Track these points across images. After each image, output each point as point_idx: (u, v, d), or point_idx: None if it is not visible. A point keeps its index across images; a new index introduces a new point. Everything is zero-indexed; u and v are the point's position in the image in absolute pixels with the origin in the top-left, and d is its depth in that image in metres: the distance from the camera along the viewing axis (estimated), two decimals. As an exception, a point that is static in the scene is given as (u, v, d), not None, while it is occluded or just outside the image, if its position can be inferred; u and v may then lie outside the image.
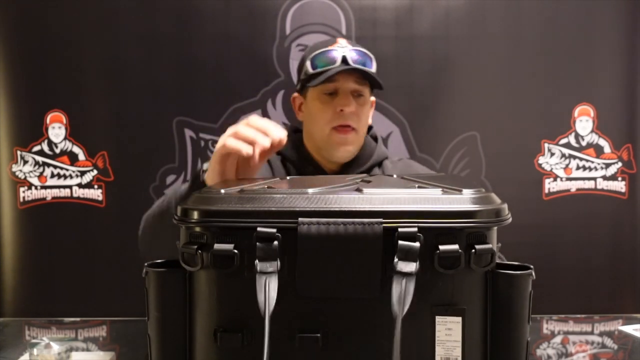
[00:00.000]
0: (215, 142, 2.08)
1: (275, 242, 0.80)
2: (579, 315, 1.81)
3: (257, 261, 0.80)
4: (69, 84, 2.06)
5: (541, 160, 2.11)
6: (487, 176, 2.10)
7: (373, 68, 1.53)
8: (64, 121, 2.06)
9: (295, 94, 1.63)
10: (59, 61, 2.05)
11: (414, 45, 2.08)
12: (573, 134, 2.12)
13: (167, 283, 0.87)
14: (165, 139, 2.07)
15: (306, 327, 0.83)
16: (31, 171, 2.08)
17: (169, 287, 0.87)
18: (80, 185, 2.08)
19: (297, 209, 0.83)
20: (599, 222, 2.13)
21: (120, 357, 1.32)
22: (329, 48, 1.51)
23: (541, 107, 2.11)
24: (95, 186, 2.08)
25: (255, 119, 1.17)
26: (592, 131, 2.12)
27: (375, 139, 1.65)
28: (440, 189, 0.89)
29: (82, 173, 2.08)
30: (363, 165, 1.59)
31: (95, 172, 2.08)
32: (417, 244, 0.79)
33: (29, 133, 2.07)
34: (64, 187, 2.08)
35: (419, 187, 0.94)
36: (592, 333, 1.64)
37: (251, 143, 1.13)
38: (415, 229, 0.80)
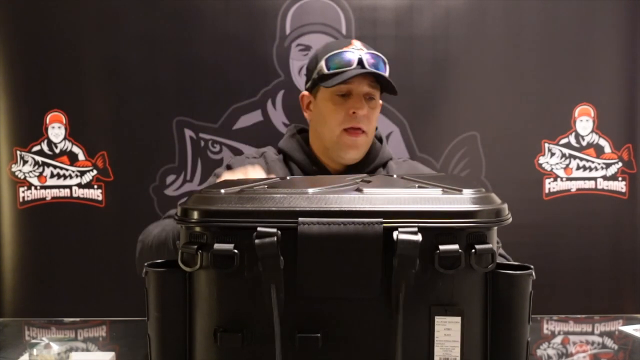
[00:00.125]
0: (215, 142, 2.08)
1: (276, 242, 0.80)
2: (579, 316, 1.81)
3: (260, 261, 0.80)
4: (68, 84, 2.06)
5: (541, 160, 2.11)
6: (487, 176, 2.10)
7: (386, 72, 1.54)
8: (64, 121, 2.06)
9: (305, 93, 1.62)
10: (59, 61, 2.05)
11: (414, 45, 2.07)
12: (573, 134, 2.12)
13: (167, 283, 0.87)
14: (165, 139, 2.07)
15: (306, 327, 0.83)
16: (31, 171, 2.07)
17: (169, 287, 0.87)
18: (80, 185, 2.08)
19: (297, 209, 0.83)
20: (599, 222, 2.12)
21: (120, 357, 1.32)
22: (345, 49, 1.51)
23: (541, 107, 2.10)
24: (95, 186, 2.08)
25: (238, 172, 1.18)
26: (592, 131, 2.12)
27: (380, 139, 1.66)
28: (441, 189, 0.89)
29: (82, 173, 2.08)
30: (368, 167, 1.59)
31: (95, 172, 2.08)
32: (417, 244, 0.79)
33: (28, 133, 2.07)
34: (64, 187, 2.08)
35: (419, 187, 0.94)
36: (592, 333, 1.64)
37: None
38: (415, 229, 0.80)
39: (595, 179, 2.12)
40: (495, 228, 0.85)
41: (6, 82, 2.06)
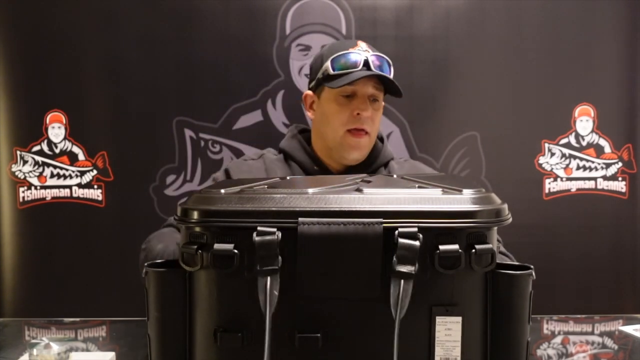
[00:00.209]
0: (215, 142, 2.08)
1: (276, 242, 0.80)
2: (579, 316, 1.81)
3: (257, 260, 0.80)
4: (68, 84, 2.06)
5: (541, 160, 2.11)
6: (487, 176, 2.10)
7: (391, 74, 1.54)
8: (64, 121, 2.06)
9: (308, 92, 1.63)
10: (59, 61, 2.05)
11: (414, 45, 2.08)
12: (573, 134, 2.12)
13: (167, 283, 0.87)
14: (165, 139, 2.07)
15: (306, 327, 0.83)
16: (31, 171, 2.07)
17: (169, 287, 0.87)
18: (80, 185, 2.08)
19: (297, 209, 0.83)
20: (599, 222, 2.12)
21: (120, 357, 1.32)
22: (351, 51, 1.52)
23: (541, 107, 2.10)
24: (95, 186, 2.08)
25: None
26: (592, 131, 2.12)
27: (381, 139, 1.66)
28: (441, 189, 0.89)
29: (82, 173, 2.08)
30: (370, 167, 1.60)
31: (95, 172, 2.08)
32: (417, 244, 0.79)
33: (28, 133, 2.07)
34: (64, 187, 2.08)
35: (419, 187, 0.94)
36: (592, 333, 1.64)
37: None
38: (415, 229, 0.80)
39: (595, 179, 2.12)
40: (495, 228, 0.85)
41: (6, 82, 2.06)
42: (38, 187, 2.08)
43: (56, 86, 2.06)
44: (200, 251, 0.83)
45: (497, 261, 0.85)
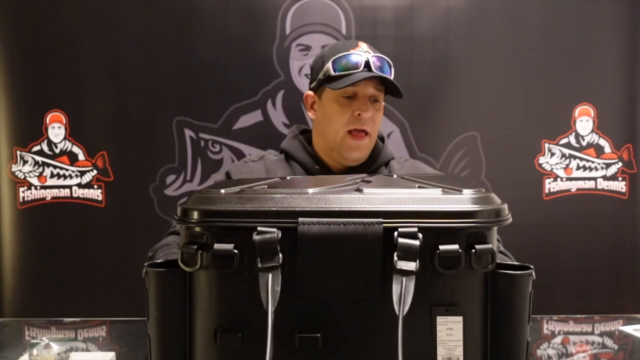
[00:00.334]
0: (215, 142, 2.08)
1: (276, 239, 0.80)
2: (579, 316, 1.81)
3: (258, 259, 0.80)
4: (69, 84, 2.06)
5: (541, 160, 2.11)
6: (487, 176, 2.10)
7: (391, 75, 1.54)
8: (64, 121, 2.06)
9: (309, 93, 1.63)
10: (59, 61, 2.05)
11: (414, 45, 2.08)
12: (573, 134, 2.12)
13: (167, 283, 0.87)
14: (165, 139, 2.07)
15: (306, 327, 0.83)
16: (31, 171, 2.07)
17: (169, 287, 0.87)
18: (80, 185, 2.08)
19: (297, 209, 0.83)
20: (599, 222, 2.12)
21: (120, 357, 1.32)
22: (352, 52, 1.52)
23: (541, 107, 2.10)
24: (95, 186, 2.08)
25: None
26: (592, 131, 2.12)
27: (382, 139, 1.67)
28: (440, 189, 0.89)
29: (82, 173, 2.08)
30: (370, 166, 1.60)
31: (95, 172, 2.08)
32: (417, 244, 0.79)
33: (28, 133, 2.07)
34: (64, 187, 2.08)
35: (419, 187, 0.94)
36: (592, 333, 1.64)
37: None
38: (415, 229, 0.80)
39: (595, 179, 2.12)
40: (495, 228, 0.85)
41: (6, 82, 2.06)
42: (38, 187, 2.08)
43: (56, 86, 2.06)
44: (200, 251, 0.83)
45: (497, 261, 0.85)
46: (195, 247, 0.83)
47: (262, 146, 2.01)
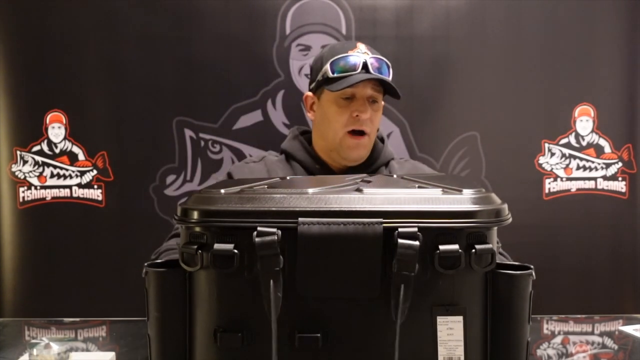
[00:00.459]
0: (215, 142, 2.08)
1: (276, 242, 0.80)
2: (579, 316, 1.81)
3: (259, 261, 0.80)
4: (69, 84, 2.06)
5: (541, 160, 2.11)
6: (487, 176, 2.10)
7: (390, 75, 1.55)
8: (64, 121, 2.06)
9: (308, 94, 1.63)
10: (59, 61, 2.05)
11: (414, 45, 2.08)
12: (573, 134, 2.12)
13: (167, 283, 0.87)
14: (165, 139, 2.07)
15: (306, 327, 0.83)
16: (31, 171, 2.07)
17: (169, 287, 0.87)
18: (80, 185, 2.08)
19: (297, 209, 0.83)
20: (599, 222, 2.12)
21: (120, 357, 1.32)
22: (350, 53, 1.52)
23: (541, 107, 2.10)
24: (95, 186, 2.08)
25: None
26: (592, 131, 2.12)
27: (381, 140, 1.67)
28: (440, 189, 0.89)
29: (82, 173, 2.08)
30: (370, 166, 1.61)
31: (95, 172, 2.08)
32: (417, 244, 0.79)
33: (28, 133, 2.07)
34: (64, 187, 2.08)
35: (419, 187, 0.94)
36: (592, 333, 1.64)
37: None
38: (415, 229, 0.80)
39: (595, 179, 2.12)
40: (495, 228, 0.85)
41: (6, 82, 2.06)
42: (38, 187, 2.08)
43: (56, 86, 2.06)
44: (200, 251, 0.83)
45: (497, 261, 0.85)
46: (195, 247, 0.83)
47: (262, 146, 2.01)
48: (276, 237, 0.80)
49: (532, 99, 2.10)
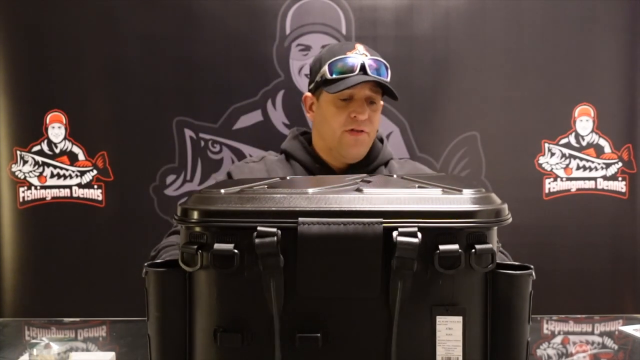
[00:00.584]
0: (215, 142, 2.08)
1: (276, 243, 0.80)
2: (579, 316, 1.81)
3: (260, 262, 0.80)
4: (69, 84, 2.06)
5: (541, 160, 2.11)
6: (487, 176, 2.10)
7: (388, 77, 1.55)
8: (64, 121, 2.06)
9: (308, 94, 1.64)
10: (59, 61, 2.05)
11: (414, 45, 2.08)
12: (573, 134, 2.12)
13: (167, 283, 0.87)
14: (165, 139, 2.07)
15: (306, 327, 0.83)
16: (31, 171, 2.07)
17: (169, 287, 0.87)
18: (80, 185, 2.08)
19: (297, 209, 0.83)
20: (599, 222, 2.12)
21: (120, 357, 1.32)
22: (348, 55, 1.53)
23: (541, 107, 2.10)
24: (95, 186, 2.08)
25: None
26: (592, 131, 2.12)
27: (381, 140, 1.68)
28: (440, 189, 0.89)
29: (82, 173, 2.08)
30: (370, 165, 1.62)
31: (95, 172, 2.08)
32: (416, 242, 0.79)
33: (28, 133, 2.07)
34: (64, 187, 2.08)
35: (419, 187, 0.94)
36: (592, 333, 1.64)
37: None
38: (415, 229, 0.80)
39: (595, 179, 2.12)
40: (495, 228, 0.85)
41: (6, 82, 2.06)
42: (38, 187, 2.08)
43: (56, 86, 2.06)
44: (200, 251, 0.83)
45: (497, 261, 0.85)
46: (195, 247, 0.83)
47: (262, 146, 2.01)
48: (276, 238, 0.80)
49: (532, 99, 2.10)
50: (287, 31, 2.07)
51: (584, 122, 2.11)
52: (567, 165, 2.12)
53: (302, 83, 2.06)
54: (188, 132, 2.08)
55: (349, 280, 0.81)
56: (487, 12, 2.08)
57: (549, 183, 2.12)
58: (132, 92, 2.06)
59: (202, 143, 2.08)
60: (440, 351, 0.83)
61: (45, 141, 2.07)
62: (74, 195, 2.08)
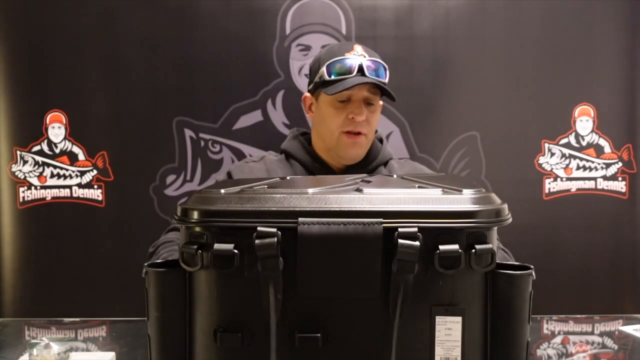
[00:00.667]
0: (215, 142, 2.08)
1: (276, 244, 0.80)
2: (579, 316, 1.81)
3: (259, 263, 0.80)
4: (69, 84, 2.06)
5: (541, 160, 2.11)
6: (487, 176, 2.10)
7: (386, 78, 1.55)
8: (64, 121, 2.06)
9: (307, 94, 1.65)
10: (59, 61, 2.05)
11: (414, 45, 2.08)
12: (573, 134, 2.12)
13: (167, 283, 0.87)
14: (165, 139, 2.07)
15: (306, 327, 0.83)
16: (31, 171, 2.07)
17: (169, 287, 0.87)
18: (80, 185, 2.08)
19: (297, 209, 0.83)
20: (599, 222, 2.12)
21: (120, 357, 1.32)
22: (346, 56, 1.53)
23: (541, 107, 2.10)
24: (95, 186, 2.08)
25: None
26: (592, 131, 2.12)
27: (380, 140, 1.68)
28: (440, 189, 0.89)
29: (82, 173, 2.08)
30: (369, 165, 1.62)
31: (95, 172, 2.08)
32: (417, 244, 0.79)
33: (28, 133, 2.07)
34: (64, 187, 2.08)
35: (419, 187, 0.94)
36: (592, 333, 1.64)
37: None
38: (415, 229, 0.80)
39: (595, 179, 2.12)
40: (495, 228, 0.85)
41: (6, 82, 2.06)
42: (38, 187, 2.08)
43: (56, 86, 2.06)
44: (200, 251, 0.83)
45: (498, 261, 0.85)
46: (195, 247, 0.83)
47: (262, 146, 2.01)
48: (276, 238, 0.80)
49: (532, 99, 2.10)
50: (287, 31, 2.07)
51: (584, 122, 2.11)
52: (567, 165, 2.12)
53: (302, 83, 2.06)
54: (188, 132, 2.08)
55: (348, 281, 0.81)
56: (487, 12, 2.08)
57: (549, 183, 2.12)
58: (132, 92, 2.06)
59: (202, 143, 2.08)
60: (439, 351, 0.83)
61: (45, 141, 2.07)
62: (74, 195, 2.08)
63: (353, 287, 0.82)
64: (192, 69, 2.06)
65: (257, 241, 0.79)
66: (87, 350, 1.44)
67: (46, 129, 2.06)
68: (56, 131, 2.06)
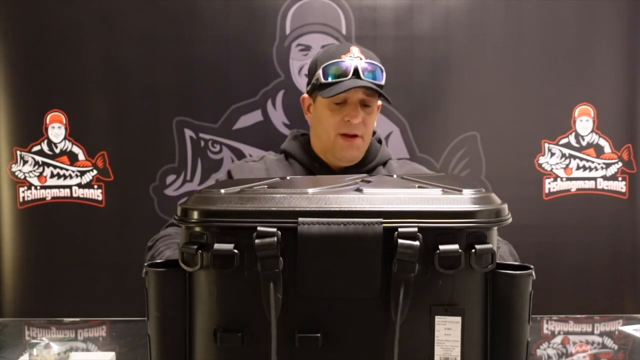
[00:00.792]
0: (215, 142, 2.08)
1: (276, 243, 0.80)
2: (579, 316, 1.81)
3: (259, 264, 0.80)
4: (69, 84, 2.06)
5: (541, 160, 2.11)
6: (487, 176, 2.10)
7: (383, 80, 1.55)
8: (64, 121, 2.06)
9: (305, 96, 1.65)
10: (59, 61, 2.05)
11: (414, 45, 2.08)
12: (573, 134, 2.12)
13: (167, 283, 0.87)
14: (165, 139, 2.07)
15: (306, 327, 0.83)
16: (31, 171, 2.07)
17: (169, 287, 0.87)
18: (80, 185, 2.08)
19: (297, 209, 0.83)
20: (599, 222, 2.12)
21: (120, 357, 1.32)
22: (342, 58, 1.53)
23: (541, 107, 2.10)
24: (95, 186, 2.08)
25: None
26: (592, 131, 2.12)
27: (379, 141, 1.69)
28: (440, 189, 0.89)
29: (82, 173, 2.08)
30: (368, 165, 1.62)
31: (95, 172, 2.08)
32: (417, 244, 0.79)
33: (28, 133, 2.07)
34: (64, 187, 2.08)
35: (419, 187, 0.94)
36: (592, 333, 1.64)
37: None
38: (415, 229, 0.80)
39: (595, 179, 2.12)
40: (495, 228, 0.85)
41: (6, 82, 2.06)
42: (38, 187, 2.08)
43: (56, 86, 2.06)
44: (200, 251, 0.83)
45: (500, 249, 0.85)
46: (195, 247, 0.83)
47: (262, 146, 2.01)
48: (276, 238, 0.80)
49: (532, 99, 2.10)
50: (287, 31, 2.07)
51: (584, 122, 2.11)
52: (567, 165, 2.12)
53: (302, 83, 2.06)
54: (188, 132, 2.08)
55: (348, 281, 0.81)
56: (487, 12, 2.08)
57: (549, 183, 2.12)
58: (132, 92, 2.06)
59: (202, 143, 2.08)
60: (438, 351, 0.83)
61: (45, 141, 2.07)
62: (74, 195, 2.08)
63: (353, 287, 0.82)
64: (192, 69, 2.06)
65: (257, 241, 0.79)
66: (87, 350, 1.44)
67: (46, 129, 2.06)
68: (56, 131, 2.06)
